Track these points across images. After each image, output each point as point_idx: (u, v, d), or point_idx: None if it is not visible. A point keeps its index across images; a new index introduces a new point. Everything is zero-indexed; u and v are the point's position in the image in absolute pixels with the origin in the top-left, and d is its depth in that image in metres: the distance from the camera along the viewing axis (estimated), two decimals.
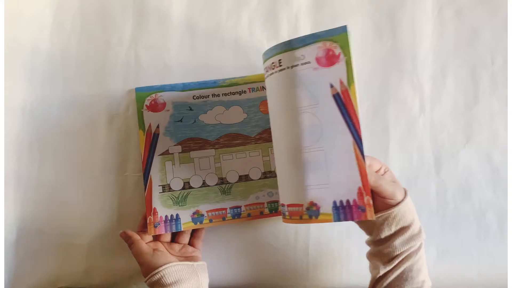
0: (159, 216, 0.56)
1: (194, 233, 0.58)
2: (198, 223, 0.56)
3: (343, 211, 0.43)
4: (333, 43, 0.44)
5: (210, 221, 0.57)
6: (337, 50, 0.44)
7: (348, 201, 0.43)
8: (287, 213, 0.47)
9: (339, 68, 0.44)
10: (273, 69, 0.48)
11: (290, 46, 0.46)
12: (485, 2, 0.64)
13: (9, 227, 0.59)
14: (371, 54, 0.63)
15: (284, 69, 0.47)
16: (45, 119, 0.61)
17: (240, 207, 0.57)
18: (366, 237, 0.61)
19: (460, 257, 0.60)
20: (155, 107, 0.59)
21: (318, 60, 0.45)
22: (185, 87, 0.60)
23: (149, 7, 0.64)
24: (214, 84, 0.60)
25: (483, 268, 0.59)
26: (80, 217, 0.60)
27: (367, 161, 0.46)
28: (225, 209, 0.57)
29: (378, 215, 0.46)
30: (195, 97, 0.59)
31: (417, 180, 0.61)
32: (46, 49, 0.62)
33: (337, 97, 0.44)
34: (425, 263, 0.47)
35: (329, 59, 0.44)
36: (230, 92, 0.60)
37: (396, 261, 0.46)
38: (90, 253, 0.59)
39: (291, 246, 0.60)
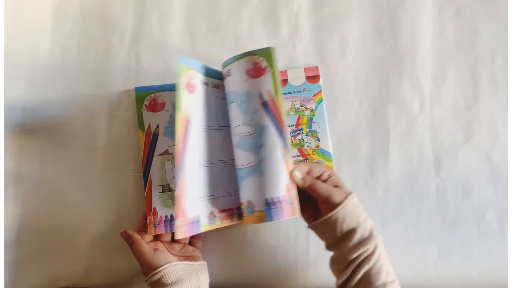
0: (159, 216, 0.55)
1: None
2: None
3: (274, 207, 0.47)
4: (259, 57, 0.49)
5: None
6: (264, 63, 0.49)
7: (278, 197, 0.47)
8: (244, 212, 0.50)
9: (266, 79, 0.49)
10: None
11: (226, 63, 0.52)
12: (485, 2, 0.64)
13: (10, 226, 0.59)
14: (371, 53, 0.63)
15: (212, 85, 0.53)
16: (46, 118, 0.61)
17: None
18: None
19: (460, 256, 0.60)
20: (155, 107, 0.59)
21: (247, 72, 0.50)
22: None
23: (149, 7, 0.64)
24: None
25: (484, 267, 0.59)
26: (80, 217, 0.60)
27: (306, 167, 0.49)
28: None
29: (322, 219, 0.47)
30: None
31: (417, 180, 0.61)
32: (46, 49, 0.62)
33: (265, 106, 0.49)
34: (385, 263, 0.46)
35: (257, 71, 0.49)
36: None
37: (352, 268, 0.45)
38: (91, 253, 0.59)
39: (291, 245, 0.60)
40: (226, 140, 0.57)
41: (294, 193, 0.47)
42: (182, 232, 0.46)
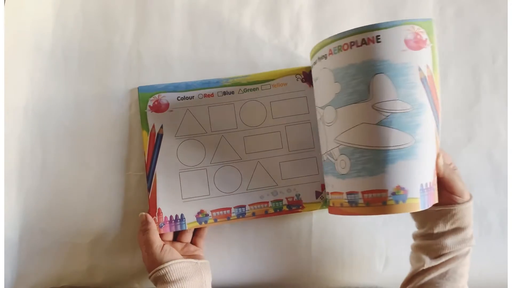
0: (163, 216, 0.56)
1: (196, 232, 0.58)
2: (203, 222, 0.56)
3: (427, 193, 0.44)
4: (420, 27, 0.44)
5: (215, 220, 0.57)
6: (424, 36, 0.45)
7: (430, 183, 0.45)
8: (361, 201, 0.45)
9: (426, 53, 0.44)
10: (355, 46, 0.46)
11: (374, 27, 0.45)
12: (486, 1, 0.64)
13: (12, 226, 0.59)
14: None
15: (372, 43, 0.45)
16: (48, 118, 0.61)
17: (244, 206, 0.57)
18: (368, 237, 0.61)
19: None
20: (159, 107, 0.59)
21: (406, 42, 0.44)
22: (188, 87, 0.60)
23: (151, 6, 0.64)
24: (217, 83, 0.60)
25: (485, 266, 0.59)
26: (82, 216, 0.60)
27: (441, 153, 0.47)
28: (230, 208, 0.57)
29: (439, 208, 0.47)
30: (199, 96, 0.59)
31: None
32: (48, 48, 0.62)
33: (424, 81, 0.44)
34: (467, 271, 0.48)
35: (417, 43, 0.44)
36: (240, 90, 0.60)
37: (444, 259, 0.46)
38: (93, 252, 0.59)
39: (293, 245, 0.60)
40: (223, 142, 0.58)
41: (436, 179, 0.46)
42: (161, 230, 0.54)
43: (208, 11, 0.64)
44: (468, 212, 0.47)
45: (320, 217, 0.61)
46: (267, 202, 0.58)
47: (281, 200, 0.58)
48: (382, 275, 0.60)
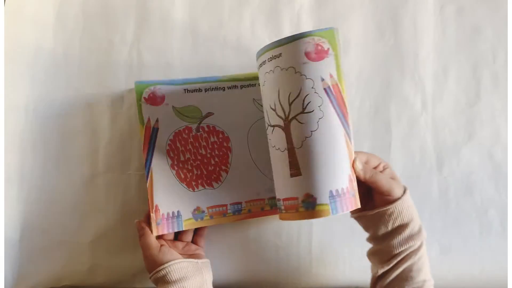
0: (161, 213, 0.56)
1: (197, 231, 0.59)
2: (199, 219, 0.56)
3: (339, 200, 0.44)
4: (321, 38, 0.45)
5: (211, 217, 0.56)
6: (326, 46, 0.45)
7: (342, 189, 0.44)
8: (283, 208, 0.47)
9: (328, 63, 0.45)
10: (270, 62, 0.48)
11: (278, 43, 0.47)
12: (486, 0, 0.64)
13: (13, 225, 0.59)
14: (372, 52, 0.63)
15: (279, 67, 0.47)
16: (48, 117, 0.61)
17: (240, 203, 0.57)
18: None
19: (462, 254, 0.60)
20: (154, 100, 0.57)
21: (307, 54, 0.45)
22: (185, 82, 0.59)
23: (151, 6, 0.64)
24: (212, 79, 0.59)
25: (486, 264, 0.59)
26: (83, 215, 0.60)
27: (365, 157, 0.47)
28: (226, 205, 0.57)
29: (375, 211, 0.47)
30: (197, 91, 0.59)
31: (419, 178, 0.61)
32: (48, 48, 0.62)
33: (328, 91, 0.45)
34: (426, 262, 0.47)
35: (318, 54, 0.45)
36: (233, 86, 0.59)
37: (395, 261, 0.46)
38: (94, 252, 0.60)
39: (294, 244, 0.60)
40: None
41: (355, 184, 0.46)
42: (158, 228, 0.53)
43: (208, 11, 0.64)
44: (405, 207, 0.46)
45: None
46: (264, 199, 0.57)
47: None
48: None
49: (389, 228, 0.46)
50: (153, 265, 0.50)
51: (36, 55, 0.62)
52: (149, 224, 0.55)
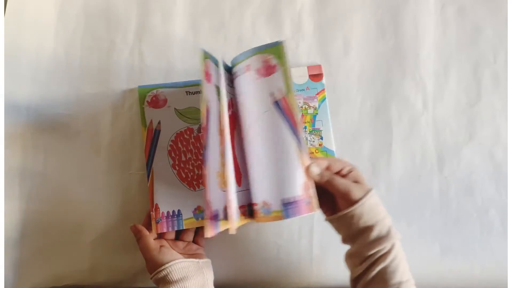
0: (160, 212, 0.56)
1: (198, 231, 0.58)
2: (200, 218, 0.56)
3: (291, 207, 0.46)
4: (269, 54, 0.48)
5: None
6: (273, 61, 0.48)
7: (294, 197, 0.46)
8: (252, 211, 0.49)
9: (277, 77, 0.47)
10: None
11: (236, 60, 0.50)
12: (487, 0, 0.64)
13: (14, 225, 0.59)
14: (373, 52, 0.63)
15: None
16: (50, 117, 0.61)
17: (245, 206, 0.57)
18: None
19: (463, 254, 0.60)
20: (156, 103, 0.59)
21: (258, 71, 0.48)
22: (186, 85, 0.60)
23: (152, 5, 0.64)
24: None
25: (486, 264, 0.59)
26: (84, 215, 0.60)
27: (325, 163, 0.47)
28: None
29: (338, 215, 0.46)
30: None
31: (420, 178, 0.61)
32: (50, 48, 0.63)
33: (276, 105, 0.47)
34: (402, 263, 0.46)
35: (267, 70, 0.48)
36: None
37: (367, 264, 0.45)
38: (95, 251, 0.60)
39: (295, 243, 0.60)
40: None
41: (312, 191, 0.46)
42: (158, 226, 0.53)
43: (209, 11, 0.64)
44: (366, 210, 0.45)
45: (322, 215, 0.60)
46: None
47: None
48: None
49: (354, 231, 0.46)
50: (153, 266, 0.50)
51: (37, 55, 0.62)
52: (149, 223, 0.55)
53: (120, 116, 0.62)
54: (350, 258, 0.48)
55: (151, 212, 0.55)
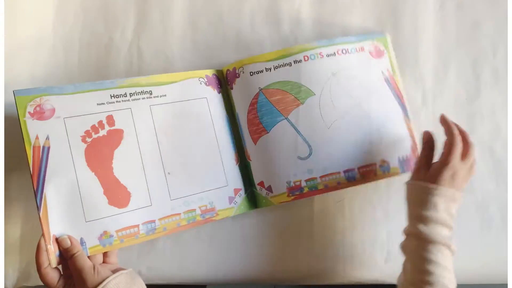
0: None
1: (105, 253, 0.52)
2: (107, 245, 0.49)
3: (405, 163, 0.57)
4: (378, 42, 0.60)
5: (121, 241, 0.50)
6: (382, 47, 0.60)
7: (407, 156, 0.58)
8: (358, 175, 0.56)
9: (384, 61, 0.59)
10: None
11: (343, 40, 0.58)
12: None
13: (14, 224, 0.59)
14: None
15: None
16: None
17: (154, 221, 0.51)
18: (370, 231, 0.61)
19: (463, 250, 0.59)
20: (42, 114, 0.49)
21: (371, 53, 0.59)
22: (76, 89, 0.51)
23: (151, 2, 0.64)
24: (111, 84, 0.52)
25: (487, 259, 0.59)
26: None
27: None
28: (137, 225, 0.51)
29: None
30: (98, 104, 0.51)
31: None
32: (48, 44, 0.62)
33: (387, 81, 0.58)
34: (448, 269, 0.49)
35: (378, 53, 0.59)
36: (136, 92, 0.53)
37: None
38: None
39: (295, 239, 0.60)
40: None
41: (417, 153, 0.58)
42: (59, 259, 0.47)
43: (208, 7, 0.64)
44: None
45: (322, 211, 0.61)
46: (179, 214, 0.53)
47: (194, 210, 0.54)
48: (384, 269, 0.60)
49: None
50: (91, 286, 0.45)
51: (36, 52, 0.62)
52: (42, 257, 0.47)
53: None
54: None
55: (48, 246, 0.47)
